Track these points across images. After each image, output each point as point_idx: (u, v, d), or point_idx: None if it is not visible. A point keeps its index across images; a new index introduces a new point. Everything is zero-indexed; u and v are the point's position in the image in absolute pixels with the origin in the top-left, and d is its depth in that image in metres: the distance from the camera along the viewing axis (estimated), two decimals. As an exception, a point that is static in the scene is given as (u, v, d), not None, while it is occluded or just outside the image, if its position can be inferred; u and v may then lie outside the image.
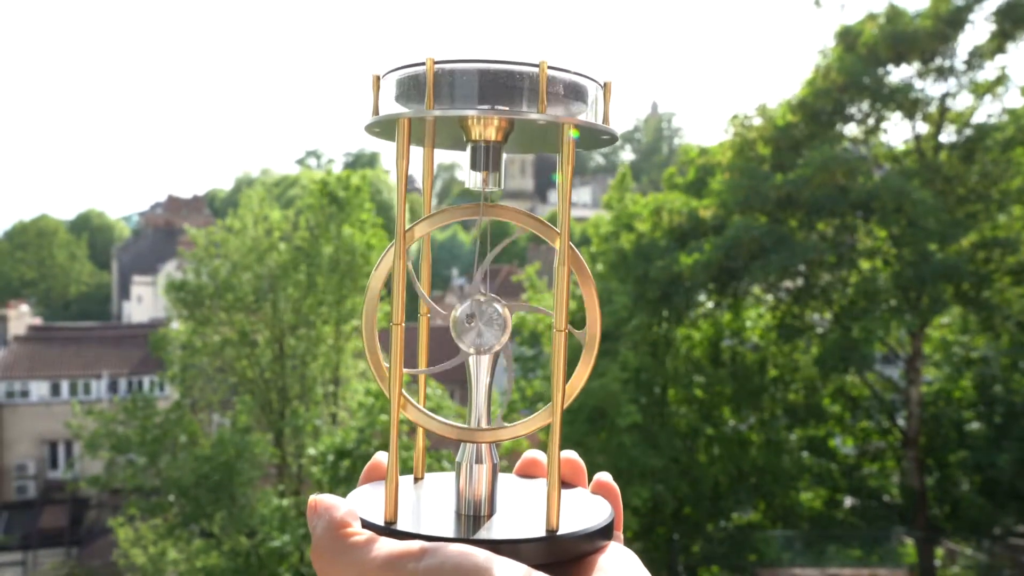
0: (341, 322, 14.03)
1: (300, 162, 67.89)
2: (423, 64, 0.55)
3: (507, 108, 0.55)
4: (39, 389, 24.82)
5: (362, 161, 58.58)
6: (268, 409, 13.91)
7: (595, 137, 0.59)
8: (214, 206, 55.04)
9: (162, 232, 45.19)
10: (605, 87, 0.58)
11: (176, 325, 15.56)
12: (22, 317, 29.59)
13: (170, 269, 33.11)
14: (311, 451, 11.85)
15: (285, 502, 11.99)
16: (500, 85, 0.54)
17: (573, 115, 0.56)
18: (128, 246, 47.92)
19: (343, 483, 10.85)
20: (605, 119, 0.58)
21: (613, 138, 0.59)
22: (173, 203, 49.75)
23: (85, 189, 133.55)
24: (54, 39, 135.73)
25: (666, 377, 13.42)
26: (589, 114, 0.58)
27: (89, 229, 54.61)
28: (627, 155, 74.71)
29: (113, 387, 25.26)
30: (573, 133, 0.55)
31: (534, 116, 0.54)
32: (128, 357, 25.89)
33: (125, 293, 42.10)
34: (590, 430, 12.07)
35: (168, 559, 11.84)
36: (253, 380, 13.94)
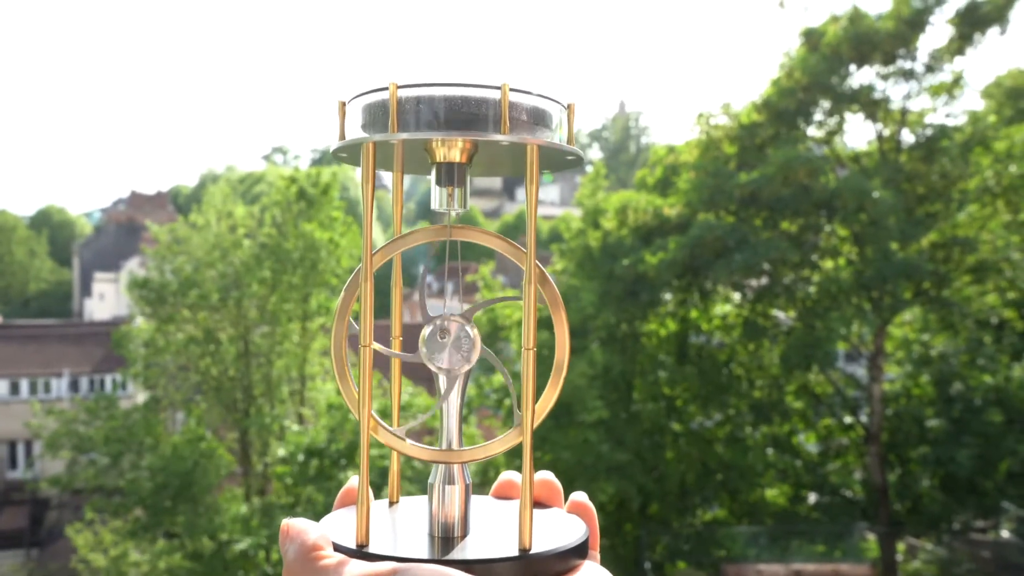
0: (307, 319, 13.91)
1: (266, 158, 67.23)
2: (387, 89, 0.55)
3: (471, 131, 0.55)
4: (-2, 388, 24.37)
5: (329, 158, 57.98)
6: (233, 408, 13.75)
7: (560, 158, 0.59)
8: (178, 202, 54.18)
9: (124, 228, 44.41)
10: (569, 108, 0.58)
11: (139, 323, 15.36)
12: (-20, 315, 28.99)
13: (133, 266, 32.65)
14: (280, 452, 11.72)
15: (244, 508, 11.82)
16: (464, 109, 0.54)
17: (537, 137, 0.56)
18: (89, 243, 47.04)
19: (312, 483, 10.77)
20: (569, 140, 0.59)
21: (579, 159, 0.59)
22: (136, 199, 48.81)
23: (45, 184, 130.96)
24: (13, 32, 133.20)
25: (632, 373, 13.46)
26: (554, 136, 0.58)
27: (49, 225, 53.50)
28: (595, 153, 74.82)
29: (74, 386, 24.84)
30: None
31: (498, 137, 0.54)
32: (90, 355, 25.48)
33: (87, 290, 41.43)
34: (556, 426, 12.07)
35: (130, 560, 11.66)
36: (217, 378, 13.79)
